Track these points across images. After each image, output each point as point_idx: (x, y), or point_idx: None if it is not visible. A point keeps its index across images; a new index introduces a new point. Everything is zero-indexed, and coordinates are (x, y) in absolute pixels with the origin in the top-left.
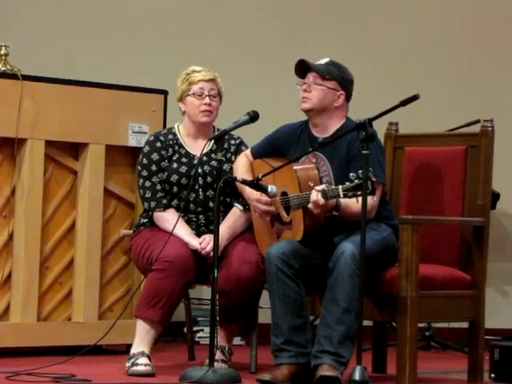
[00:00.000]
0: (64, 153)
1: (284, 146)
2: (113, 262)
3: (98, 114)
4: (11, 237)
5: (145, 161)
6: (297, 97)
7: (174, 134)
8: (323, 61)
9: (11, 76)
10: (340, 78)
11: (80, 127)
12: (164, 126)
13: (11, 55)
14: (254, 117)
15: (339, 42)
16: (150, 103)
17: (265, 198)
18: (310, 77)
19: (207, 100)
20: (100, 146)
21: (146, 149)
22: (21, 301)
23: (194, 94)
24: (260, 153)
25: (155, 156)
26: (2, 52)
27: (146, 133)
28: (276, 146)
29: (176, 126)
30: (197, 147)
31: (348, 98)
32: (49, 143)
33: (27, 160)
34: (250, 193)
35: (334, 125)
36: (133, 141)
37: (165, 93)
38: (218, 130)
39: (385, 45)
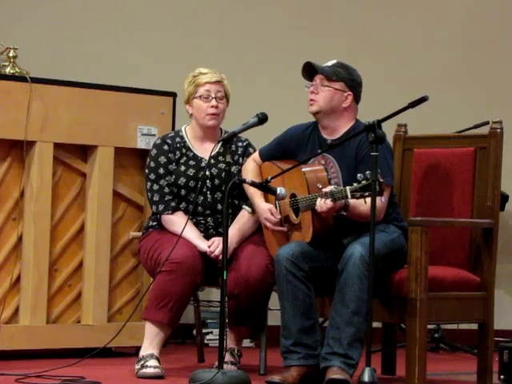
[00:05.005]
0: (73, 155)
1: (293, 148)
2: (122, 264)
3: (106, 117)
4: (20, 239)
5: (152, 164)
6: (306, 98)
7: (182, 137)
8: (330, 62)
9: (20, 79)
10: (347, 79)
11: (89, 129)
12: (173, 129)
13: (20, 58)
14: (262, 119)
15: (350, 43)
16: (158, 105)
17: (275, 218)
18: (317, 79)
19: (214, 102)
20: (109, 148)
21: (154, 152)
22: (30, 303)
23: (200, 96)
24: (269, 154)
25: (163, 159)
26: (11, 54)
27: (154, 135)
28: (285, 148)
29: (183, 129)
30: (204, 150)
31: (356, 99)
32: (58, 146)
33: (36, 162)
34: (259, 209)
35: (343, 126)
36: (142, 143)
37: (174, 95)
38: (225, 132)
39: (393, 46)
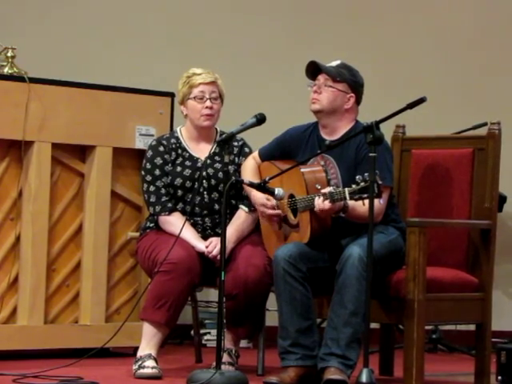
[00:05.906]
0: (71, 155)
1: (293, 148)
2: (120, 264)
3: (105, 117)
4: (18, 239)
5: (148, 165)
6: (305, 99)
7: (177, 138)
8: (334, 63)
9: (18, 79)
10: (351, 80)
11: (87, 130)
12: (171, 129)
13: (18, 58)
14: (261, 119)
15: (348, 44)
16: (157, 106)
17: (270, 202)
18: (321, 78)
19: (208, 103)
20: (107, 148)
21: (149, 153)
22: (28, 303)
23: (195, 97)
24: (268, 155)
25: (158, 160)
26: (9, 54)
27: (153, 135)
28: (285, 148)
29: (178, 130)
30: (200, 150)
31: (358, 100)
32: (56, 146)
33: (34, 162)
34: (255, 198)
35: (343, 127)
36: (140, 143)
37: (172, 95)
38: (220, 131)
39: (392, 47)
